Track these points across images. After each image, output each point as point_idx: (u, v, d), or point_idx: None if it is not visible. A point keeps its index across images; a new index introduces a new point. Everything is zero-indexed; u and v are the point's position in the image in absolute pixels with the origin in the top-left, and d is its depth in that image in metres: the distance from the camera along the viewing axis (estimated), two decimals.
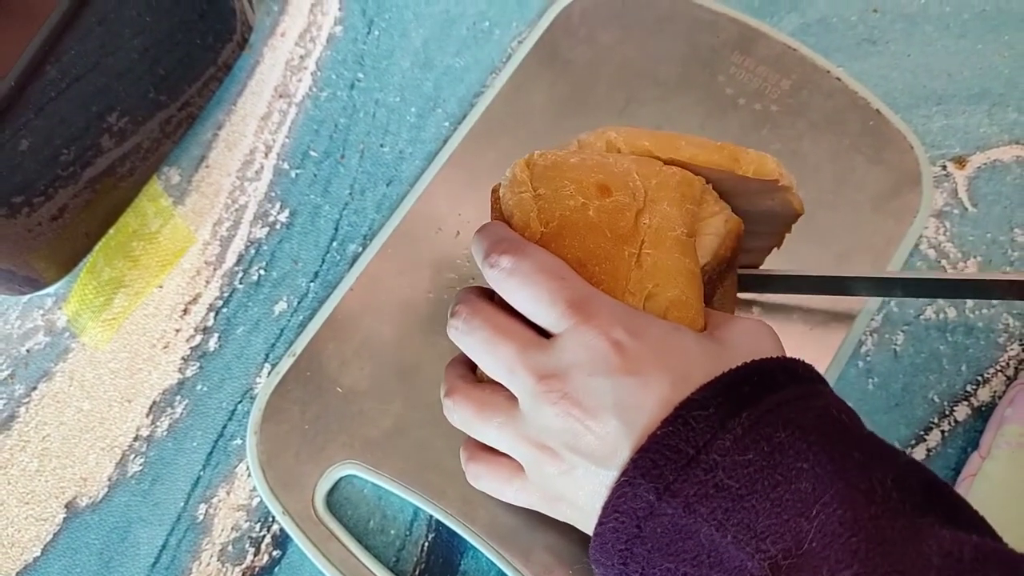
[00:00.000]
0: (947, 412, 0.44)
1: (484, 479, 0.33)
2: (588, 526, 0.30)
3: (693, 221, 0.33)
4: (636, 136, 0.34)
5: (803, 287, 0.42)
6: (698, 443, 0.26)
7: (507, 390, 0.31)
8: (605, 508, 0.28)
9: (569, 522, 0.31)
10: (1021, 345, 0.45)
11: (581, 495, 0.29)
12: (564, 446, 0.28)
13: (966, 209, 0.48)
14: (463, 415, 0.32)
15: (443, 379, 0.34)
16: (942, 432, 0.44)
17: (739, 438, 0.26)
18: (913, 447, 0.44)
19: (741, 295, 0.43)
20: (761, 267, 0.43)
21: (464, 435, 0.34)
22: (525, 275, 0.29)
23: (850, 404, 0.43)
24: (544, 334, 0.30)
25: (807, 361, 0.30)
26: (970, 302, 0.46)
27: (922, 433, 0.44)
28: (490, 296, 0.33)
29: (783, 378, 0.28)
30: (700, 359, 0.28)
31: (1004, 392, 0.44)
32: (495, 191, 0.36)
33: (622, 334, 0.28)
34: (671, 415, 0.27)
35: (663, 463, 0.26)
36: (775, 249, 0.41)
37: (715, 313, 0.33)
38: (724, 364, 0.28)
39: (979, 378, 0.45)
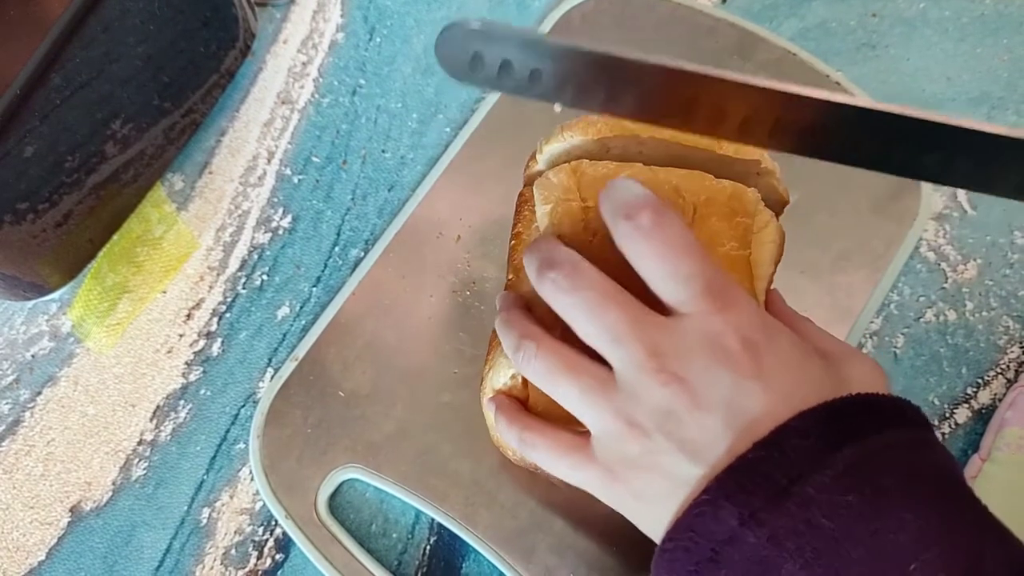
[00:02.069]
0: (947, 414, 0.44)
1: (539, 448, 0.31)
2: (643, 520, 0.28)
3: (746, 234, 0.32)
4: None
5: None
6: (792, 473, 0.24)
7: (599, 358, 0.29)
8: (678, 524, 0.26)
9: (619, 509, 0.30)
10: (1021, 347, 0.45)
11: (654, 486, 0.27)
12: (658, 428, 0.27)
13: (966, 211, 0.48)
14: (548, 366, 0.29)
15: (508, 320, 0.31)
16: (942, 435, 0.44)
17: (839, 476, 0.24)
18: None
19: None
20: None
21: (505, 410, 0.32)
22: (666, 242, 0.27)
23: None
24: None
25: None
26: (970, 304, 0.46)
27: None
28: None
29: (893, 417, 0.27)
30: (819, 385, 0.27)
31: (1004, 395, 0.44)
32: (524, 195, 0.35)
33: (754, 335, 0.26)
34: (767, 438, 0.25)
35: (751, 488, 0.24)
36: None
37: (835, 343, 0.31)
38: (835, 393, 0.26)
39: (979, 381, 0.45)
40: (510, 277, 0.36)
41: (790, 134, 0.27)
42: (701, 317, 0.27)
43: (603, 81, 0.26)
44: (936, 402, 0.44)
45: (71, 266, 0.48)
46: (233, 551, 0.43)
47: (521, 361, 0.30)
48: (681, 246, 0.27)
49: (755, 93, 0.26)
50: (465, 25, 0.27)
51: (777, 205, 0.37)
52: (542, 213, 0.33)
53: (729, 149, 0.33)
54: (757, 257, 0.33)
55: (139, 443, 0.45)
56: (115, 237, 0.49)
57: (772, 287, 0.35)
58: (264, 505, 0.44)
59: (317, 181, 0.51)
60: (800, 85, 0.26)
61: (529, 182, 0.37)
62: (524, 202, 0.35)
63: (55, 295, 0.48)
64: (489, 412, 0.34)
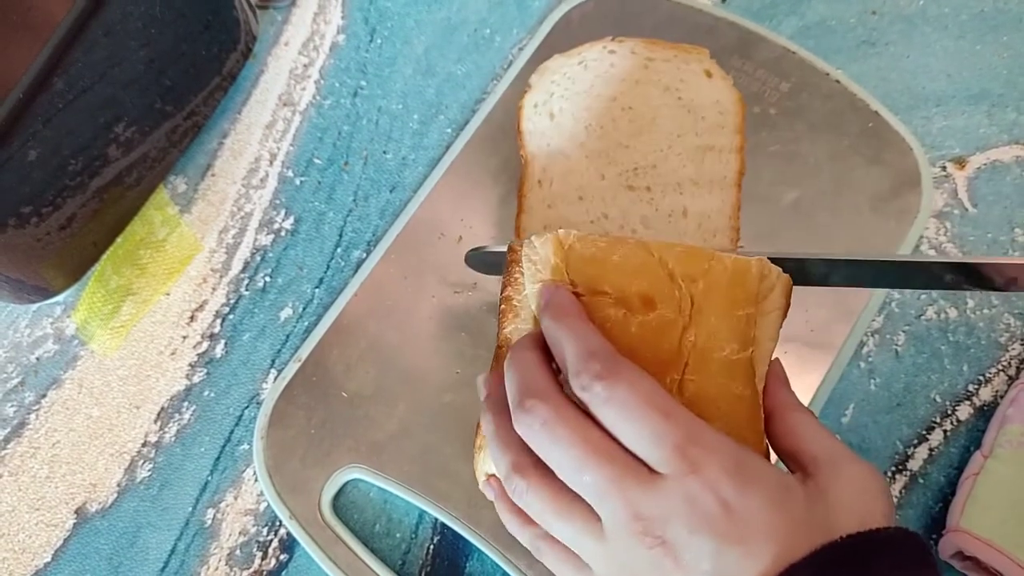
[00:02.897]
0: (949, 411, 0.44)
1: (548, 557, 0.31)
2: None
3: (747, 329, 0.30)
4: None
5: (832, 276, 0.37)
6: None
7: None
8: None
9: None
10: (1022, 345, 0.45)
11: None
12: None
13: (966, 209, 0.48)
14: (539, 506, 0.29)
15: (495, 435, 0.31)
16: (944, 431, 0.44)
17: None
18: (916, 446, 0.44)
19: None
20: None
21: (517, 514, 0.32)
22: (625, 405, 0.27)
23: (852, 405, 0.44)
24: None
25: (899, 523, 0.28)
26: (971, 302, 0.46)
27: (924, 432, 0.44)
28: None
29: (886, 559, 0.26)
30: (805, 524, 0.26)
31: (1006, 391, 0.44)
32: (514, 250, 0.33)
33: (730, 491, 0.26)
34: None
35: None
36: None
37: (827, 447, 0.30)
38: (829, 531, 0.26)
39: (981, 377, 0.45)
40: (499, 346, 0.34)
41: None
42: (677, 479, 0.26)
43: None
44: (938, 399, 0.44)
45: (75, 269, 0.48)
46: (238, 552, 0.43)
47: (511, 492, 0.30)
48: (643, 407, 0.27)
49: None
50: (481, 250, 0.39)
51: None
52: (532, 293, 0.32)
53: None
54: (761, 335, 0.31)
55: (144, 445, 0.46)
56: (119, 240, 0.50)
57: (774, 359, 0.33)
58: (268, 506, 0.44)
59: (319, 183, 0.51)
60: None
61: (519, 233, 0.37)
62: (515, 261, 0.33)
63: (59, 298, 0.49)
64: (487, 492, 0.34)
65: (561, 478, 0.28)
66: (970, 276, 0.34)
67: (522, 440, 0.29)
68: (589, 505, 0.28)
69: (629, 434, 0.27)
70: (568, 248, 0.31)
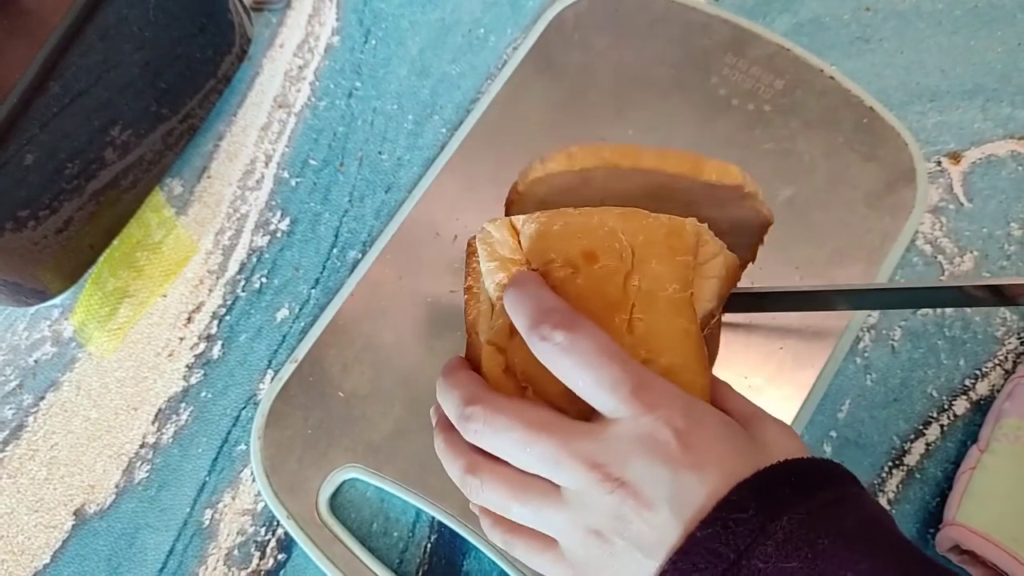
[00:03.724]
0: (946, 406, 0.44)
1: (518, 548, 0.31)
2: None
3: (687, 272, 0.32)
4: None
5: (784, 303, 0.41)
6: (739, 547, 0.25)
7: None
8: None
9: None
10: (1019, 339, 0.45)
11: None
12: (613, 532, 0.28)
13: (962, 204, 0.48)
14: (495, 496, 0.30)
15: (446, 449, 0.32)
16: (941, 426, 0.44)
17: (781, 544, 0.25)
18: (912, 441, 0.44)
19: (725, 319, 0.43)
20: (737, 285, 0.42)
21: (489, 513, 0.32)
22: (583, 355, 0.28)
23: (848, 400, 0.44)
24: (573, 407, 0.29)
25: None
26: None
27: (921, 427, 0.44)
28: (502, 370, 0.31)
29: (820, 479, 0.28)
30: (748, 454, 0.28)
31: (1002, 386, 0.44)
32: (470, 245, 0.35)
33: (683, 424, 0.27)
34: (710, 516, 0.26)
35: (703, 566, 0.26)
36: (751, 264, 0.40)
37: (747, 406, 0.32)
38: (765, 461, 0.28)
39: (977, 372, 0.45)
40: (468, 334, 0.36)
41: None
42: (632, 420, 0.28)
43: None
44: (934, 394, 0.44)
45: (72, 272, 0.49)
46: (236, 552, 0.44)
47: (470, 494, 0.31)
48: (599, 355, 0.28)
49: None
50: None
51: (761, 227, 0.37)
52: (487, 271, 0.33)
53: (712, 175, 0.33)
54: (698, 294, 0.32)
55: (141, 446, 0.46)
56: (115, 242, 0.50)
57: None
58: (266, 506, 0.44)
59: (315, 184, 0.51)
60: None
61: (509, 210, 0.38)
62: (472, 253, 0.35)
63: (57, 301, 0.49)
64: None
65: (514, 464, 0.29)
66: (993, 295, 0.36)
67: (471, 447, 0.31)
68: (547, 480, 0.29)
69: (587, 382, 0.28)
70: (518, 233, 0.33)
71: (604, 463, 0.27)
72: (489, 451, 0.30)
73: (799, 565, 0.25)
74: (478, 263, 0.34)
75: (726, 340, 0.44)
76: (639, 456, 0.27)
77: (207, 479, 0.45)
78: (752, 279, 0.45)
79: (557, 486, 0.29)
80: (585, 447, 0.28)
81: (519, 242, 0.32)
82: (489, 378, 0.32)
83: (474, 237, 0.34)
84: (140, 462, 0.46)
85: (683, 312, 0.31)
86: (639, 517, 0.27)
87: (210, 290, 0.49)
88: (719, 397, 0.32)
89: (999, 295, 0.37)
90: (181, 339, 0.48)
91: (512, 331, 0.31)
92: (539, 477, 0.29)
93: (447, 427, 0.32)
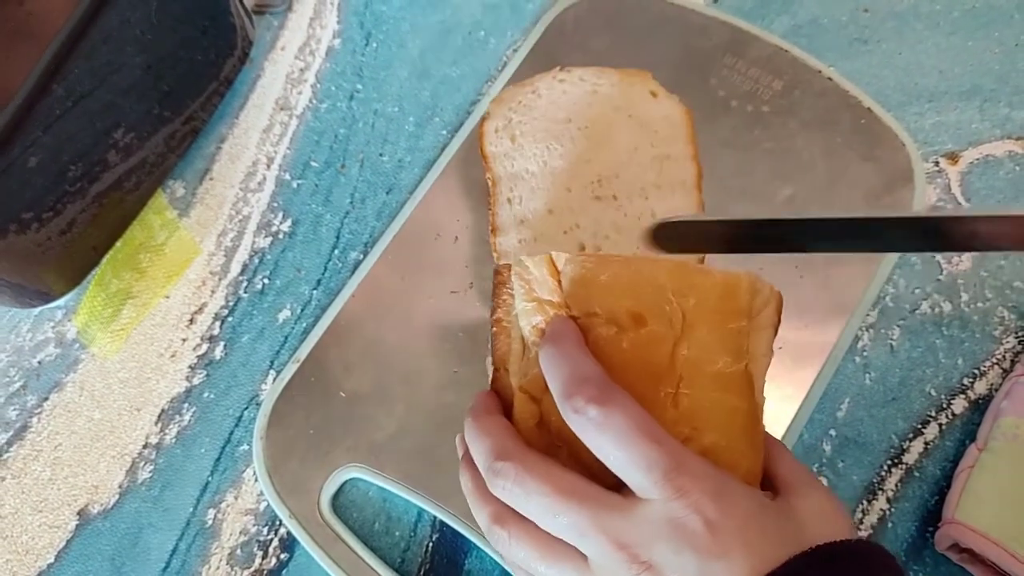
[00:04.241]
0: (944, 405, 0.44)
1: None
2: None
3: (740, 341, 0.30)
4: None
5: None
6: None
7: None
8: None
9: None
10: (1016, 339, 0.45)
11: None
12: None
13: (959, 204, 0.48)
14: (521, 552, 0.30)
15: (473, 491, 0.32)
16: (940, 425, 0.44)
17: None
18: (911, 440, 0.44)
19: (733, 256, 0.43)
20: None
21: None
22: (617, 432, 0.27)
23: (848, 399, 0.44)
24: (606, 475, 0.28)
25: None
26: (965, 296, 0.46)
27: (920, 426, 0.44)
28: (536, 422, 0.31)
29: (854, 567, 0.27)
30: (780, 538, 0.28)
31: (1000, 385, 0.44)
32: (499, 273, 0.33)
33: (713, 512, 0.27)
34: None
35: None
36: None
37: (796, 472, 0.31)
38: (797, 544, 0.27)
39: (975, 371, 0.45)
40: (495, 369, 0.34)
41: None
42: (663, 503, 0.27)
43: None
44: (933, 393, 0.45)
45: (75, 273, 0.49)
46: (238, 551, 0.44)
47: (495, 543, 0.31)
48: (634, 433, 0.27)
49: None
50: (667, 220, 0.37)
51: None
52: (523, 311, 0.31)
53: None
54: (755, 350, 0.31)
55: (144, 446, 0.46)
56: (118, 244, 0.50)
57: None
58: (268, 505, 0.44)
59: (316, 185, 0.51)
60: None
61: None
62: (502, 283, 0.34)
63: (60, 302, 0.49)
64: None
65: (541, 526, 0.29)
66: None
67: (483, 490, 0.31)
68: (573, 546, 0.29)
69: (620, 460, 0.28)
70: (561, 271, 0.31)
71: (631, 544, 0.27)
72: (515, 508, 0.30)
73: None
74: (510, 295, 0.33)
75: None
76: (666, 541, 0.27)
77: (210, 479, 0.45)
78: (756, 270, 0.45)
79: (584, 555, 0.28)
80: (614, 524, 0.27)
81: (559, 283, 0.31)
82: (520, 428, 0.31)
83: (504, 265, 0.33)
84: (143, 462, 0.46)
85: (732, 388, 0.30)
86: None
87: (212, 291, 0.49)
88: (770, 458, 0.32)
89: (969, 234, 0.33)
90: (184, 340, 0.48)
91: (545, 384, 0.30)
92: (568, 547, 0.29)
93: (475, 468, 0.32)
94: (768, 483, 0.31)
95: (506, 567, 0.32)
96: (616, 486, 0.29)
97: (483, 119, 0.45)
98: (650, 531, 0.27)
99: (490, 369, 0.39)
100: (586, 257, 0.31)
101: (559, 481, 0.29)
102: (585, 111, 0.45)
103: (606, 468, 0.28)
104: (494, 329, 0.35)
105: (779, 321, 0.32)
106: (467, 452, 0.33)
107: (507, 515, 0.30)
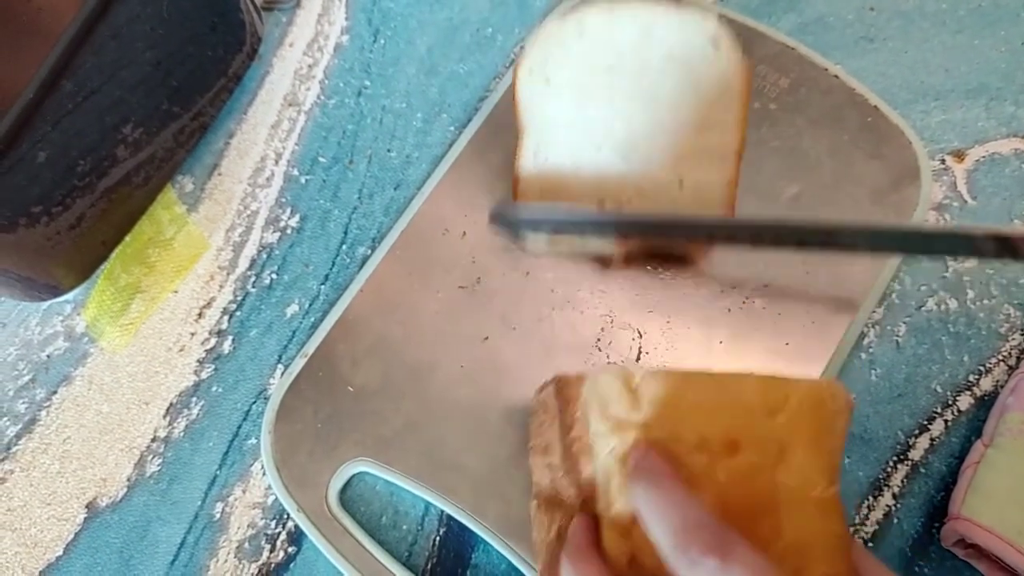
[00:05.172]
0: (950, 402, 0.45)
1: None
2: None
3: (834, 461, 0.29)
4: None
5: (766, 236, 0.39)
6: None
7: None
8: None
9: None
10: (1022, 335, 0.45)
11: None
12: None
13: (966, 202, 0.48)
14: None
15: None
16: (945, 421, 0.44)
17: None
18: (917, 436, 0.44)
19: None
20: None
21: None
22: None
23: (854, 396, 0.44)
24: None
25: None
26: (971, 292, 0.46)
27: (925, 423, 0.44)
28: (627, 561, 0.29)
29: None
30: None
31: (1006, 381, 0.44)
32: (564, 382, 0.31)
33: None
34: None
35: None
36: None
37: None
38: None
39: (981, 368, 0.45)
40: (581, 487, 0.32)
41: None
42: None
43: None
44: (939, 389, 0.45)
45: (84, 267, 0.49)
46: (246, 544, 0.44)
47: None
48: None
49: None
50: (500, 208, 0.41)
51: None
52: (599, 434, 0.30)
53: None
54: (836, 448, 0.30)
55: (153, 440, 0.46)
56: (127, 239, 0.50)
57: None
58: (276, 499, 0.44)
59: (324, 181, 0.51)
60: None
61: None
62: (569, 400, 0.31)
63: (69, 296, 0.49)
64: None
65: None
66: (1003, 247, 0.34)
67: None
68: None
69: None
70: (636, 390, 0.29)
71: None
72: None
73: None
74: (579, 412, 0.31)
75: (731, 336, 0.44)
76: None
77: (218, 472, 0.45)
78: (764, 277, 0.46)
79: None
80: None
81: (637, 403, 0.29)
82: (613, 567, 0.29)
83: (563, 377, 0.31)
84: (151, 456, 0.46)
85: (831, 513, 0.29)
86: None
87: (221, 286, 0.49)
88: (863, 569, 0.30)
89: (1005, 246, 0.35)
90: (192, 334, 0.48)
91: (636, 519, 0.28)
92: None
93: None
94: None
95: None
96: None
97: (518, 59, 0.43)
98: None
99: (536, 441, 0.37)
100: (667, 374, 0.29)
101: None
102: (632, 58, 0.41)
103: None
104: (574, 447, 0.32)
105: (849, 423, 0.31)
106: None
107: None
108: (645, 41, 0.40)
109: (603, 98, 0.42)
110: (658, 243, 0.43)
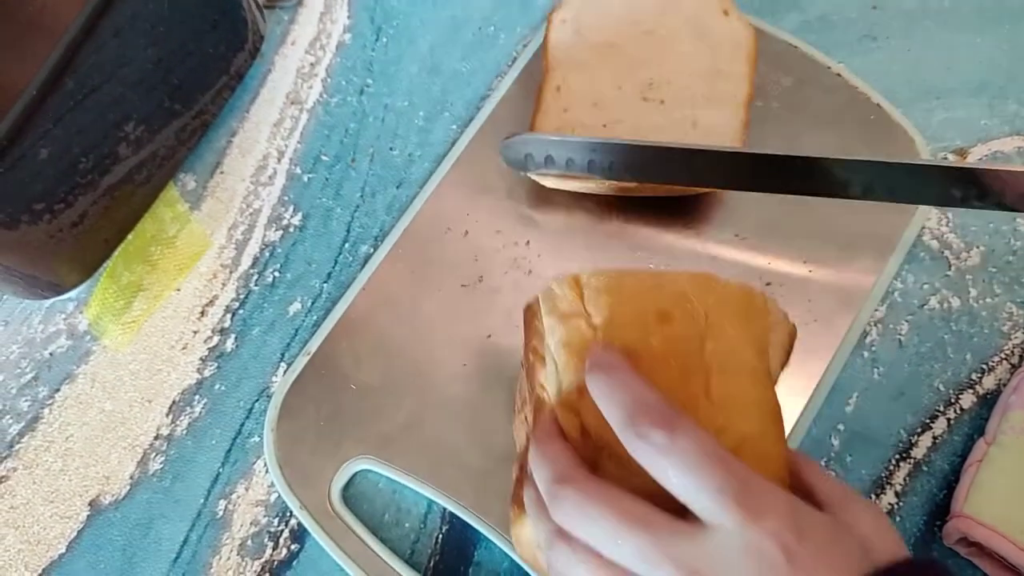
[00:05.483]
0: (952, 400, 0.45)
1: None
2: None
3: (763, 337, 0.31)
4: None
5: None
6: None
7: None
8: None
9: None
10: None
11: None
12: None
13: None
14: (585, 572, 0.28)
15: (536, 505, 0.30)
16: (948, 420, 0.44)
17: None
18: (919, 434, 0.44)
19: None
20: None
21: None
22: (684, 457, 0.26)
23: (856, 394, 0.45)
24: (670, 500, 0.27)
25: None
26: (973, 291, 0.46)
27: (928, 421, 0.44)
28: (579, 433, 0.30)
29: None
30: (852, 558, 0.27)
31: (1009, 380, 0.44)
32: (529, 309, 0.34)
33: (791, 538, 0.26)
34: None
35: None
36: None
37: (835, 488, 0.31)
38: (868, 561, 0.27)
39: (984, 366, 0.45)
40: (538, 398, 0.34)
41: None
42: (736, 529, 0.26)
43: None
44: (941, 388, 0.45)
45: (87, 265, 0.49)
46: (249, 542, 0.44)
47: (555, 558, 0.29)
48: (702, 458, 0.26)
49: (725, 157, 0.41)
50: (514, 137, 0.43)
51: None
52: (549, 328, 0.32)
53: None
54: (765, 333, 0.32)
55: (156, 438, 0.46)
56: (130, 236, 0.50)
57: None
58: (279, 497, 0.44)
59: (327, 179, 0.52)
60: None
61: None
62: (533, 315, 0.34)
63: (72, 294, 0.49)
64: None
65: (604, 555, 0.28)
66: (979, 189, 0.37)
67: (551, 525, 0.29)
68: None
69: (687, 484, 0.27)
70: (582, 286, 0.32)
71: (704, 571, 0.26)
72: (578, 536, 0.28)
73: None
74: (540, 323, 0.33)
75: None
76: (744, 570, 0.25)
77: (221, 470, 0.45)
78: (765, 275, 0.46)
79: None
80: (683, 551, 0.26)
81: (581, 297, 0.32)
82: (571, 445, 0.31)
83: (534, 300, 0.34)
84: (154, 453, 0.46)
85: (759, 379, 0.30)
86: None
87: (223, 284, 0.49)
88: (807, 475, 0.31)
89: (980, 189, 0.37)
90: (195, 332, 0.48)
91: (582, 391, 0.30)
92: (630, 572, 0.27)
93: (534, 484, 0.31)
94: (810, 502, 0.30)
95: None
96: (675, 513, 0.27)
97: (554, 8, 0.49)
98: (724, 559, 0.26)
99: (518, 403, 0.39)
100: (609, 270, 0.32)
101: (621, 504, 0.27)
102: (656, 16, 0.48)
103: (664, 495, 0.27)
104: (531, 358, 0.35)
105: (791, 351, 0.33)
106: (526, 472, 0.32)
107: (585, 557, 0.28)
108: (666, 5, 0.48)
109: (626, 46, 0.47)
110: (659, 184, 0.43)
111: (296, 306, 0.49)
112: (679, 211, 0.47)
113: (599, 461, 0.30)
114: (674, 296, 0.31)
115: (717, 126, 0.45)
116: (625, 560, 0.27)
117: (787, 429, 0.42)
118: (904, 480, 0.43)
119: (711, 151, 0.41)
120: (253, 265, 0.50)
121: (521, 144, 0.44)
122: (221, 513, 0.45)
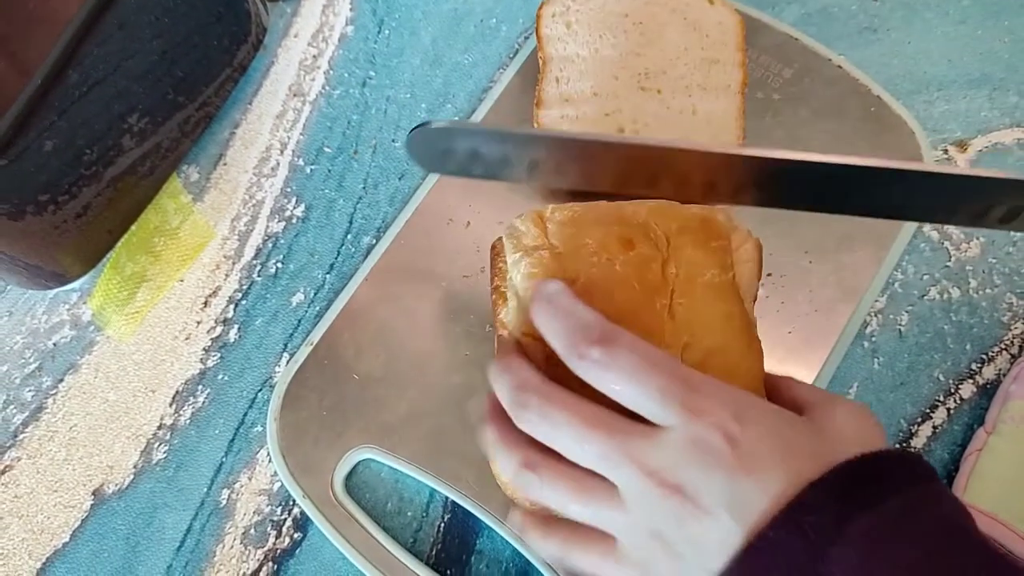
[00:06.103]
0: (952, 390, 0.45)
1: (576, 553, 0.30)
2: None
3: (724, 256, 0.32)
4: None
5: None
6: (813, 551, 0.25)
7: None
8: None
9: None
10: None
11: None
12: (675, 535, 0.27)
13: None
14: (553, 493, 0.29)
15: (499, 441, 0.31)
16: (948, 410, 0.44)
17: (860, 550, 0.24)
18: (919, 424, 0.44)
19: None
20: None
21: (538, 527, 0.31)
22: (625, 368, 0.28)
23: (856, 384, 0.45)
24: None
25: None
26: (973, 282, 0.46)
27: (928, 411, 0.44)
28: (544, 358, 0.31)
29: (900, 476, 0.27)
30: (809, 450, 0.27)
31: (1008, 370, 0.44)
32: (493, 249, 0.35)
33: (734, 427, 0.27)
34: (782, 516, 0.26)
35: (775, 569, 0.25)
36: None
37: (815, 392, 0.31)
38: (833, 456, 0.27)
39: (984, 356, 0.45)
40: (498, 333, 0.35)
41: (748, 192, 0.34)
42: (682, 426, 0.27)
43: (574, 162, 0.34)
44: (941, 378, 0.45)
45: (91, 256, 0.49)
46: (252, 531, 0.44)
47: (526, 488, 0.30)
48: (642, 366, 0.27)
49: (713, 159, 0.33)
50: (432, 124, 0.33)
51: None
52: (512, 262, 0.33)
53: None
54: (740, 281, 0.33)
55: (159, 427, 0.47)
56: (133, 228, 0.50)
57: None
58: (282, 486, 0.45)
59: (329, 171, 0.52)
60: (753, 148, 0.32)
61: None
62: (497, 254, 0.35)
63: (75, 284, 0.50)
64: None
65: (569, 458, 0.29)
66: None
67: (525, 440, 0.30)
68: (604, 479, 0.28)
69: (633, 395, 0.28)
70: (545, 220, 0.33)
71: (659, 469, 0.27)
72: (543, 441, 0.29)
73: (878, 567, 0.24)
74: (503, 264, 0.34)
75: None
76: (692, 463, 0.27)
77: (224, 459, 0.46)
78: (765, 267, 0.46)
79: (615, 485, 0.28)
80: (640, 450, 0.27)
81: (544, 230, 0.33)
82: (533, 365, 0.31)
83: (498, 239, 0.34)
84: (158, 443, 0.46)
85: (724, 295, 0.31)
86: (699, 523, 0.27)
87: (226, 275, 0.49)
88: (784, 386, 0.32)
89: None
90: (198, 323, 0.49)
91: None
92: (596, 475, 0.28)
93: (498, 418, 0.31)
94: (792, 410, 0.30)
95: (542, 553, 0.32)
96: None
97: (542, 3, 0.49)
98: (675, 455, 0.27)
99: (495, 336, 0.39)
100: (572, 204, 0.33)
101: (583, 409, 0.28)
102: (642, 8, 0.48)
103: (622, 408, 0.28)
104: (493, 296, 0.36)
105: (760, 267, 0.34)
106: (491, 407, 0.32)
107: (536, 458, 0.30)
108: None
109: (619, 38, 0.48)
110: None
111: (299, 297, 0.49)
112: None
113: (566, 386, 0.30)
114: (636, 224, 0.32)
115: (715, 113, 0.46)
116: (589, 462, 0.28)
117: None
118: None
119: (705, 152, 0.33)
120: (256, 256, 0.50)
121: (438, 136, 0.34)
122: (224, 502, 0.45)
